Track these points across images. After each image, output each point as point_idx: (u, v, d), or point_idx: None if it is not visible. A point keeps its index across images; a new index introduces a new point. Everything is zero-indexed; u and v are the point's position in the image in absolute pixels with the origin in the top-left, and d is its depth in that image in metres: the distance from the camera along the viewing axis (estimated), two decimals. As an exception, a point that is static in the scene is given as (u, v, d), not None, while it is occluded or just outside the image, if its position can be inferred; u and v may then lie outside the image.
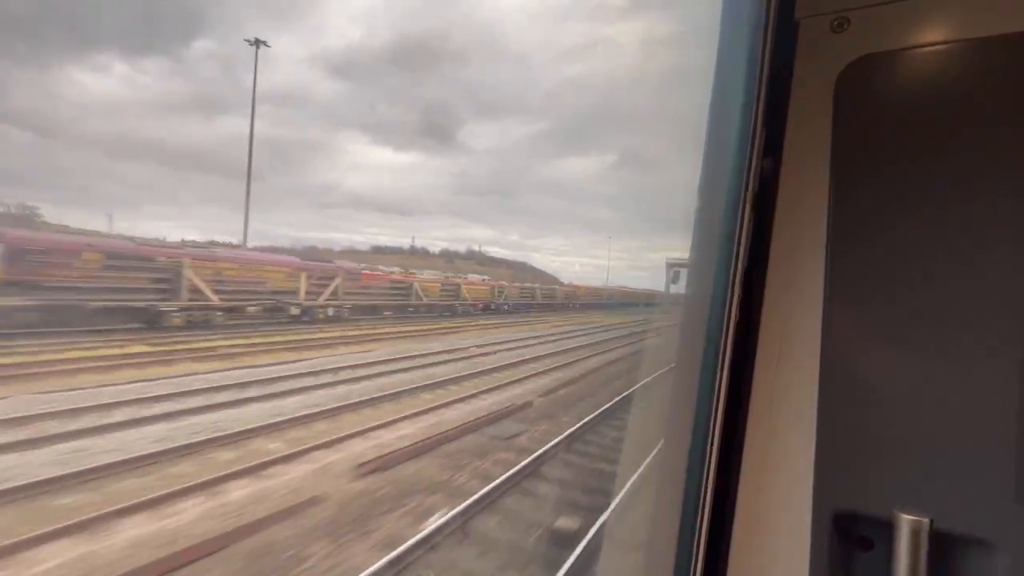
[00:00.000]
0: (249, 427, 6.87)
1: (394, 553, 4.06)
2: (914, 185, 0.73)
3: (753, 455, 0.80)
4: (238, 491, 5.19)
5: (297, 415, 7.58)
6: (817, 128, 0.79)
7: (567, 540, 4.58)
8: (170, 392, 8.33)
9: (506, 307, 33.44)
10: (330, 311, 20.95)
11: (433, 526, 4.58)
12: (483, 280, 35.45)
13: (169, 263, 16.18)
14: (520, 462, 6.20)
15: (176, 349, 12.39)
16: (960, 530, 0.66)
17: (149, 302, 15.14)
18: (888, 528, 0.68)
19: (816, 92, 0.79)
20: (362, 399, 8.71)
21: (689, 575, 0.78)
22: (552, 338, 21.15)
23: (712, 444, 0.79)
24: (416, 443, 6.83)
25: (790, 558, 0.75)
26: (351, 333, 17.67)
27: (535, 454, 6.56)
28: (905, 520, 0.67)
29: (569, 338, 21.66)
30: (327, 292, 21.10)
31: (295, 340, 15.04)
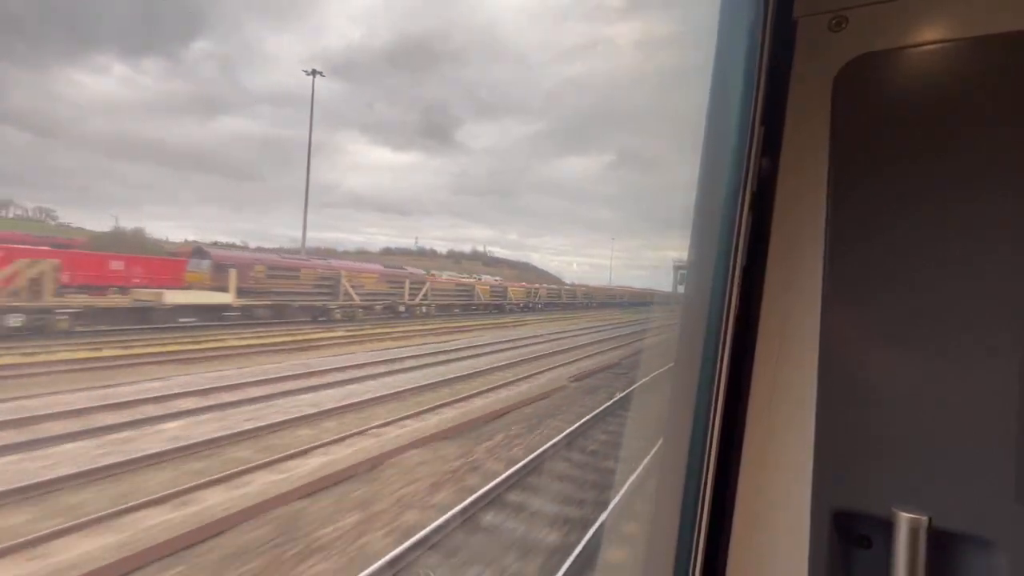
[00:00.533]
0: (433, 382, 11.37)
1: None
2: (913, 184, 0.73)
3: (752, 453, 0.80)
4: (454, 411, 9.44)
5: (453, 376, 12.10)
6: (816, 127, 0.79)
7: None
8: (380, 359, 13.80)
9: (539, 306, 40.78)
10: (423, 309, 28.74)
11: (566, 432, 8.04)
12: (496, 280, 44.22)
13: (332, 274, 24.01)
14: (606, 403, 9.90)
15: (356, 335, 18.69)
16: (959, 528, 0.66)
17: (324, 302, 23.13)
18: (887, 526, 0.68)
19: (815, 91, 0.79)
20: (487, 368, 13.55)
21: (688, 572, 0.79)
22: (591, 330, 26.56)
23: (711, 442, 0.79)
24: (541, 394, 11.08)
25: (789, 556, 0.75)
26: (441, 326, 23.63)
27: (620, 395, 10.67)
28: (904, 518, 0.67)
29: (603, 330, 26.97)
30: (420, 294, 28.73)
31: (413, 330, 21.39)
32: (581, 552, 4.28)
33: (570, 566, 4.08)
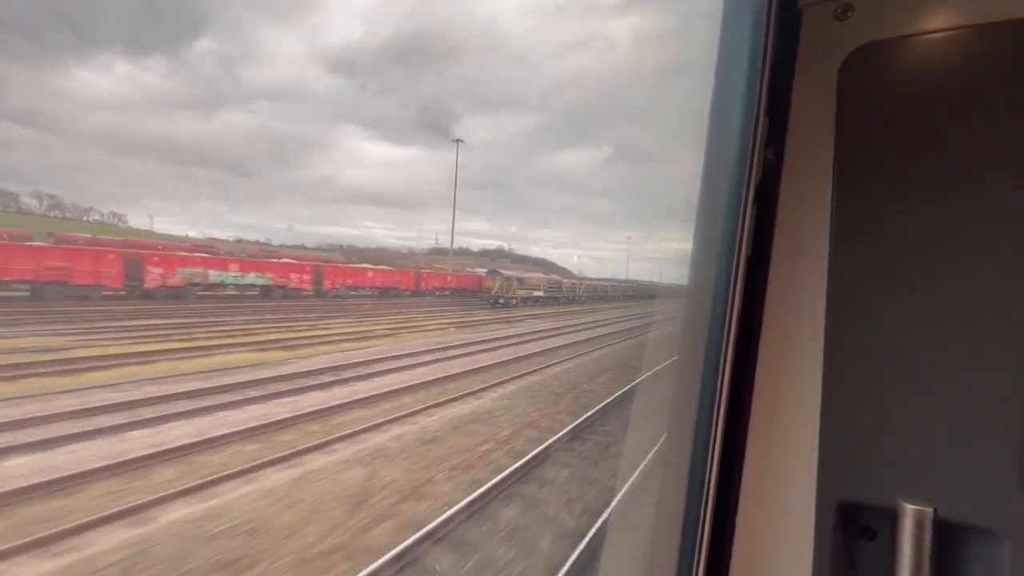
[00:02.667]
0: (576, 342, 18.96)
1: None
2: (920, 175, 0.72)
3: (757, 444, 0.80)
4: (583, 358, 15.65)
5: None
6: (821, 118, 0.78)
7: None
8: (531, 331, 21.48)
9: (583, 298, 51.17)
10: (569, 296, 48.09)
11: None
12: (553, 276, 60.36)
13: (554, 281, 51.08)
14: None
15: (575, 310, 35.18)
16: (964, 519, 0.66)
17: (554, 295, 44.75)
18: (892, 517, 0.68)
19: (819, 81, 0.78)
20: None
21: (693, 563, 0.79)
22: (640, 316, 34.43)
23: (715, 433, 0.79)
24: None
25: (793, 547, 0.75)
26: (561, 310, 36.90)
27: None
28: (909, 509, 0.67)
29: (649, 316, 33.37)
30: (565, 288, 49.68)
31: (573, 310, 36.51)
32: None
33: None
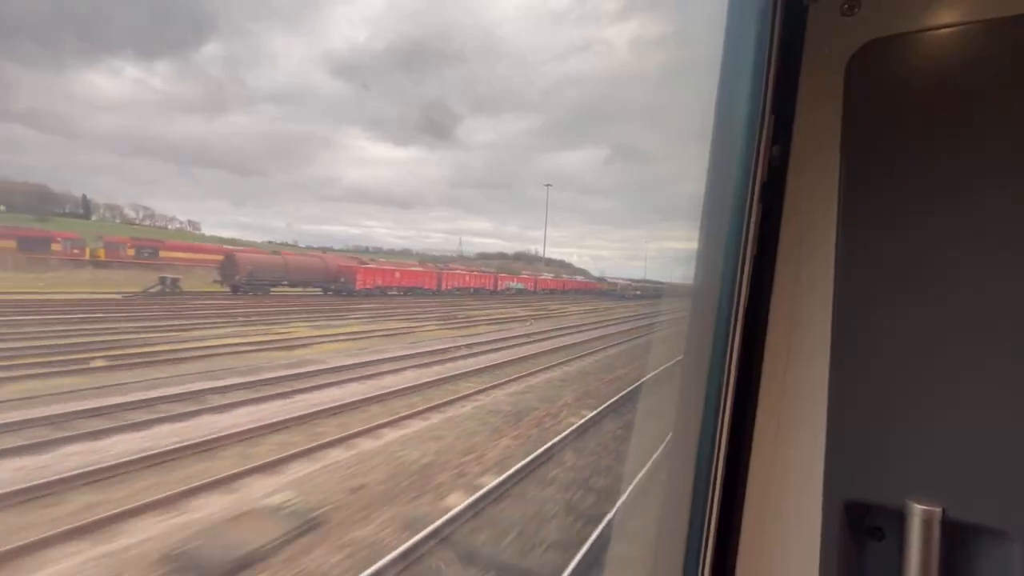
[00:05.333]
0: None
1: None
2: (928, 172, 0.71)
3: (764, 444, 0.79)
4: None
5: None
6: (827, 115, 0.77)
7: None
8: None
9: (629, 295, 59.04)
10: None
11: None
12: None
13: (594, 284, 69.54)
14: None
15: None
16: (972, 520, 0.66)
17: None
18: (900, 518, 0.68)
19: (826, 78, 0.78)
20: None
21: (699, 562, 0.78)
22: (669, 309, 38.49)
23: (721, 432, 0.78)
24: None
25: (800, 547, 0.75)
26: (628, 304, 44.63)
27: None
28: (917, 510, 0.66)
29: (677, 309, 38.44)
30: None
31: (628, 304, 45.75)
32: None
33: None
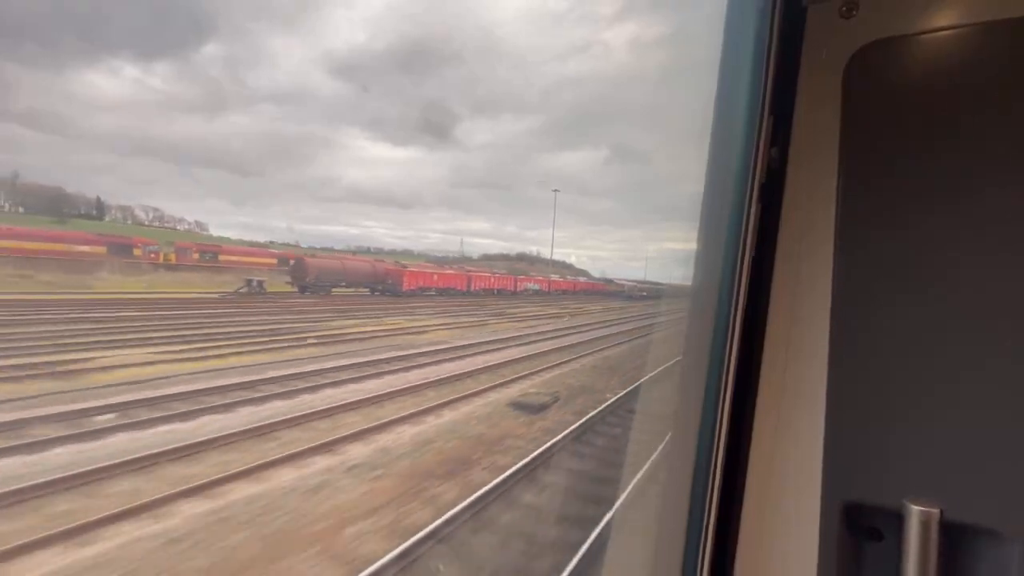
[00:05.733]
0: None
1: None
2: (926, 174, 0.71)
3: (762, 445, 0.80)
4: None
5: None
6: (826, 117, 0.77)
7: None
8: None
9: (636, 296, 59.87)
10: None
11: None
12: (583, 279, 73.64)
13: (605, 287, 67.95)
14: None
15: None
16: (970, 521, 0.65)
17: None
18: (898, 519, 0.68)
19: (825, 80, 0.78)
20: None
21: (697, 563, 0.79)
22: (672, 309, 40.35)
23: (720, 433, 0.79)
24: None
25: (799, 548, 0.75)
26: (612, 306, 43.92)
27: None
28: (915, 511, 0.66)
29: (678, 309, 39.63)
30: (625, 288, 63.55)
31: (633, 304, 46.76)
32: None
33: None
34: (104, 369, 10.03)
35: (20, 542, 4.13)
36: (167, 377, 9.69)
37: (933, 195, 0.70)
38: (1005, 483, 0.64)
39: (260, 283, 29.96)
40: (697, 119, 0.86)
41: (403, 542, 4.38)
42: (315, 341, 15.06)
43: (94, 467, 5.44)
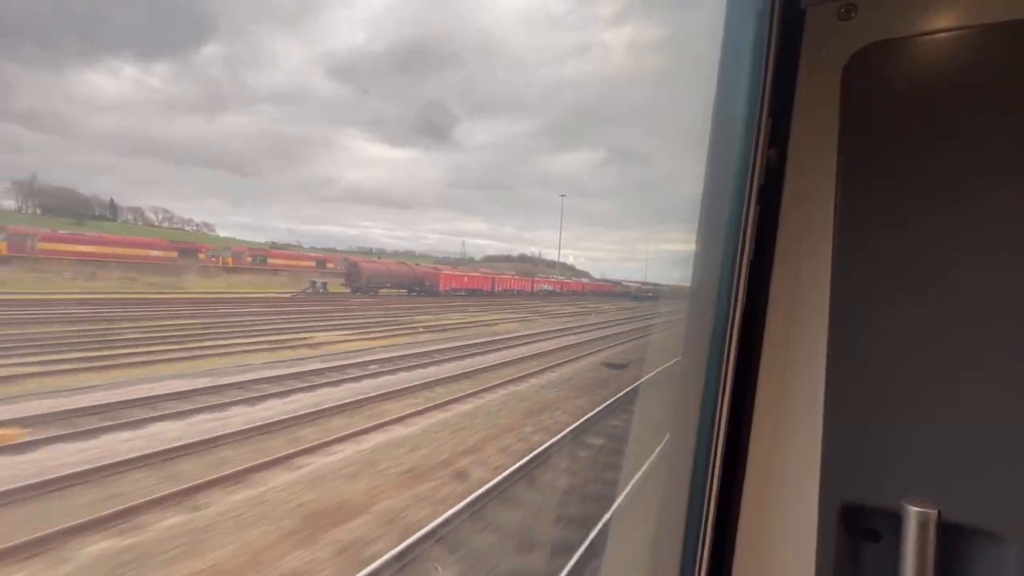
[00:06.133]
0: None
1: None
2: (924, 176, 0.71)
3: (760, 445, 0.80)
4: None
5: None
6: (824, 118, 0.77)
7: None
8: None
9: (643, 296, 61.21)
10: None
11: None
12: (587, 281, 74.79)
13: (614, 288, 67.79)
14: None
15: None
16: (968, 522, 0.65)
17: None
18: (896, 519, 0.67)
19: (823, 81, 0.78)
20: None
21: (695, 565, 0.80)
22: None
23: (718, 434, 0.80)
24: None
25: (796, 549, 0.75)
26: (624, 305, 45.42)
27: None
28: (913, 512, 0.66)
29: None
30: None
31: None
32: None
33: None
34: (317, 344, 14.46)
35: (358, 428, 7.59)
36: (365, 350, 14.11)
37: (932, 196, 0.70)
38: (1003, 484, 0.63)
39: (324, 284, 33.98)
40: (696, 120, 0.87)
41: (550, 437, 7.77)
42: (424, 329, 19.45)
43: (362, 397, 9.26)
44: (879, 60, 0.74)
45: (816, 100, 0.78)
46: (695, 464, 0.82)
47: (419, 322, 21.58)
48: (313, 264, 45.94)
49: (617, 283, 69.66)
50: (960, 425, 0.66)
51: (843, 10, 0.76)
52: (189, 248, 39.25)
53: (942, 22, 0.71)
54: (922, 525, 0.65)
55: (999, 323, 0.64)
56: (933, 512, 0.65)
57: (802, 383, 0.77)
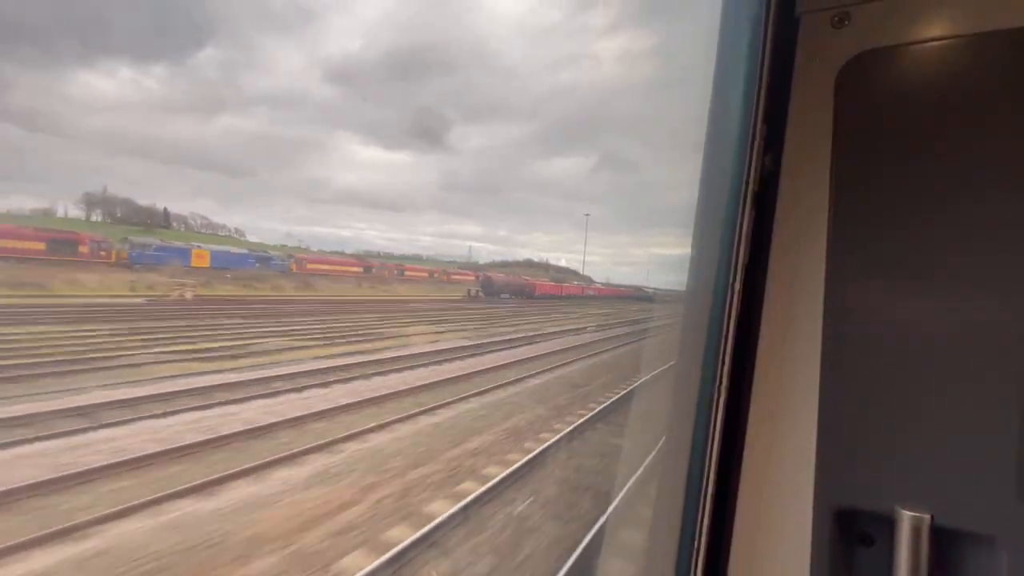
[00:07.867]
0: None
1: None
2: (916, 181, 0.71)
3: (755, 451, 0.80)
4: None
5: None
6: (818, 125, 0.78)
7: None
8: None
9: (654, 298, 64.90)
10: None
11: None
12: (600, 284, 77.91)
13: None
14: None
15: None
16: (961, 526, 0.65)
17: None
18: (889, 524, 0.68)
19: (817, 88, 0.78)
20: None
21: (690, 568, 0.80)
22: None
23: (713, 439, 0.80)
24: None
25: (791, 553, 0.75)
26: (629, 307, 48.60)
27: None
28: (906, 516, 0.66)
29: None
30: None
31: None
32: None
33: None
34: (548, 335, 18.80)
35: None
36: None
37: (924, 202, 0.70)
38: (995, 489, 0.64)
39: (477, 292, 44.61)
40: (691, 127, 0.87)
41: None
42: (594, 328, 24.45)
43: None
44: (873, 67, 0.75)
45: (810, 106, 0.79)
46: (691, 468, 0.81)
47: (571, 320, 27.42)
48: (427, 275, 55.73)
49: (638, 288, 74.89)
50: (952, 432, 0.66)
51: (837, 18, 0.77)
52: (364, 265, 46.85)
53: (934, 31, 0.71)
54: (915, 529, 0.65)
55: (992, 329, 0.65)
56: (926, 517, 0.65)
57: (797, 389, 0.77)
